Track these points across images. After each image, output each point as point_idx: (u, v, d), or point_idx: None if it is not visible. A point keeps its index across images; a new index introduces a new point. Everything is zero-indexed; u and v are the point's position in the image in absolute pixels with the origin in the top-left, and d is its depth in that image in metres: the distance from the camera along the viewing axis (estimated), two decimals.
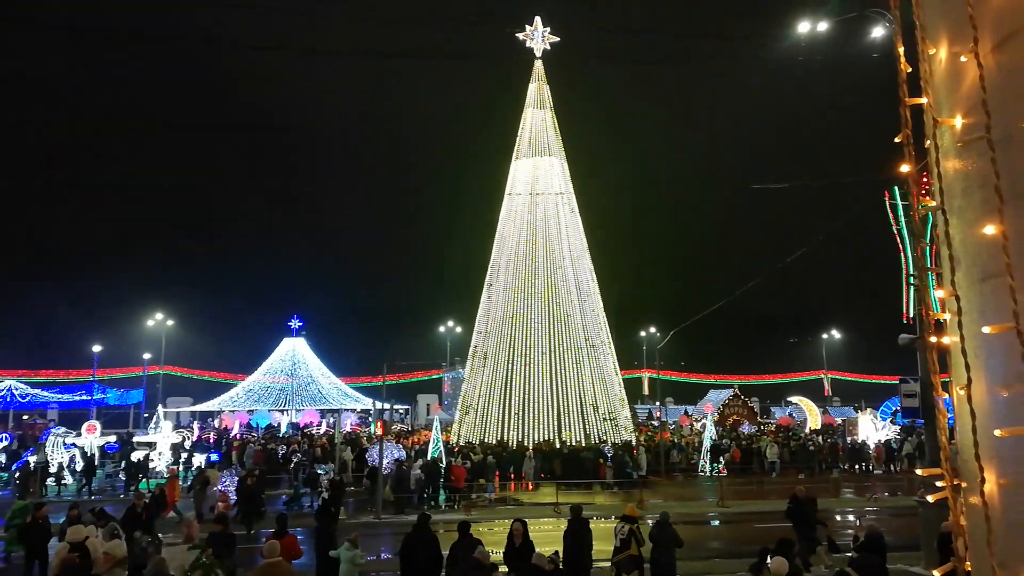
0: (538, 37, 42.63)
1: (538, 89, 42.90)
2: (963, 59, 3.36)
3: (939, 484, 3.61)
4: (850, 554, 13.02)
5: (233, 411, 59.43)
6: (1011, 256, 3.07)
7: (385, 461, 30.18)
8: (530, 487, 30.43)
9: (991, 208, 3.15)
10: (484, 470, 29.05)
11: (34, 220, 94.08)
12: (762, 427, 51.96)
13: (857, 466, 36.95)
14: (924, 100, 3.63)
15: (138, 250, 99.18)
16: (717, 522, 24.34)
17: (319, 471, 26.14)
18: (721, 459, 35.59)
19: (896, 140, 3.76)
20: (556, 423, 37.14)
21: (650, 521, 15.12)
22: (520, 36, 42.49)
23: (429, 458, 29.48)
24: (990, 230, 3.16)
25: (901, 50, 3.75)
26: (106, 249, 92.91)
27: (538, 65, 43.05)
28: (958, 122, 3.44)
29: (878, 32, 16.70)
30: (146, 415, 56.46)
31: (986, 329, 3.20)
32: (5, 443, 38.92)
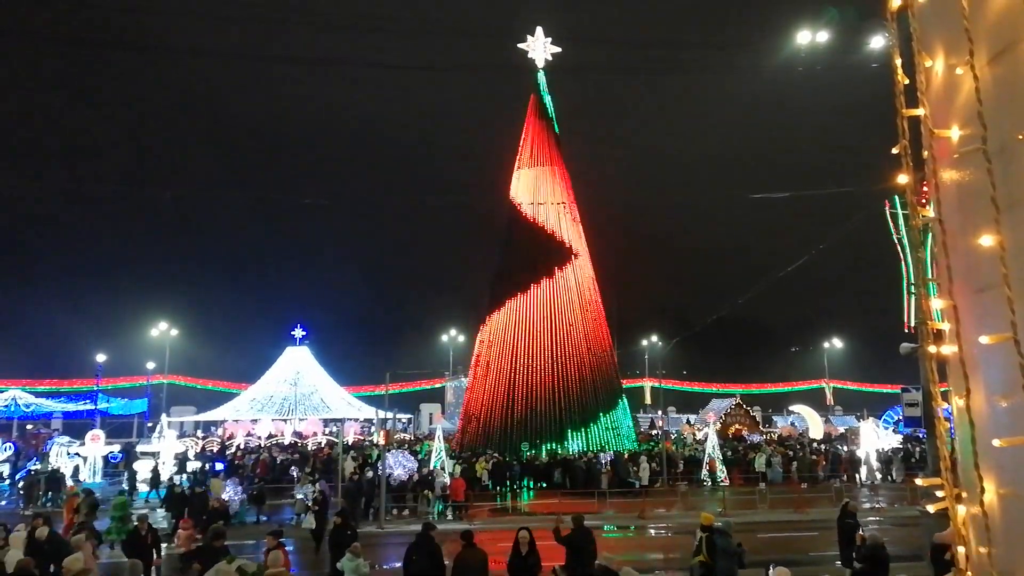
0: (539, 47, 42.78)
1: (539, 99, 43.04)
2: (959, 71, 3.39)
3: (939, 494, 3.61)
4: (854, 564, 12.97)
5: (237, 420, 59.39)
6: (1008, 267, 3.09)
7: (402, 470, 30.24)
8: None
9: (988, 219, 3.17)
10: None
11: (38, 229, 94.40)
12: (765, 436, 51.83)
13: (857, 475, 36.77)
14: (921, 111, 3.65)
15: (142, 260, 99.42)
16: None
17: (298, 495, 24.54)
18: (704, 471, 35.48)
19: (893, 151, 3.79)
20: (558, 432, 37.12)
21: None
22: (522, 46, 42.67)
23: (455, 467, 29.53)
24: (987, 241, 3.18)
25: (898, 62, 3.78)
26: (110, 258, 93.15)
27: (540, 75, 43.19)
28: (955, 133, 3.47)
29: (877, 42, 16.78)
30: (150, 424, 56.43)
31: (984, 339, 3.21)
32: (8, 452, 38.93)
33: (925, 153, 3.71)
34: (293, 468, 34.39)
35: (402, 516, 26.24)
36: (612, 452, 35.73)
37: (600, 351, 40.21)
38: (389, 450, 32.83)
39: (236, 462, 37.56)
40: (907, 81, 3.77)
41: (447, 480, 27.67)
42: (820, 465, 36.47)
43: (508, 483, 31.21)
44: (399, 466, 30.07)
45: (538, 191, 41.50)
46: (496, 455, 33.77)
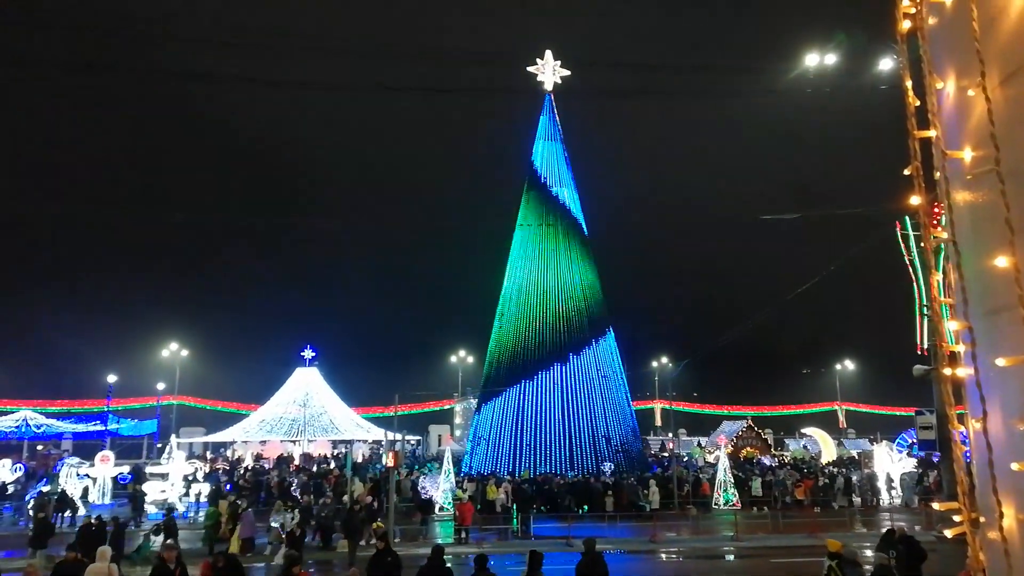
0: (549, 71, 43.15)
1: (549, 121, 43.35)
2: (971, 93, 3.39)
3: (956, 519, 3.56)
4: None
5: (246, 441, 59.34)
6: (1023, 288, 3.07)
7: (439, 491, 30.37)
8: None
9: (1002, 240, 3.15)
10: None
11: (49, 250, 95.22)
12: (778, 459, 51.33)
13: (873, 498, 36.22)
14: (933, 133, 3.66)
15: (153, 281, 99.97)
16: (732, 556, 23.95)
17: (274, 523, 22.59)
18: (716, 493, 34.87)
19: (905, 172, 3.78)
20: (568, 454, 36.92)
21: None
22: (531, 70, 43.04)
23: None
24: (1002, 262, 3.16)
25: (909, 84, 3.79)
26: (121, 280, 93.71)
27: (549, 98, 43.54)
28: (967, 155, 3.46)
29: (886, 64, 16.83)
30: (159, 445, 56.46)
31: (1000, 361, 3.18)
32: (19, 474, 38.99)
33: (937, 174, 3.70)
34: (295, 489, 34.35)
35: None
36: (621, 475, 35.47)
37: (610, 372, 40.07)
38: (422, 474, 33.32)
39: (244, 484, 37.46)
40: (918, 103, 3.77)
41: (503, 497, 27.70)
42: (804, 490, 35.49)
43: (526, 507, 30.81)
44: (434, 487, 30.46)
45: (547, 212, 41.67)
46: (510, 478, 33.54)
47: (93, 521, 21.06)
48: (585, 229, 42.66)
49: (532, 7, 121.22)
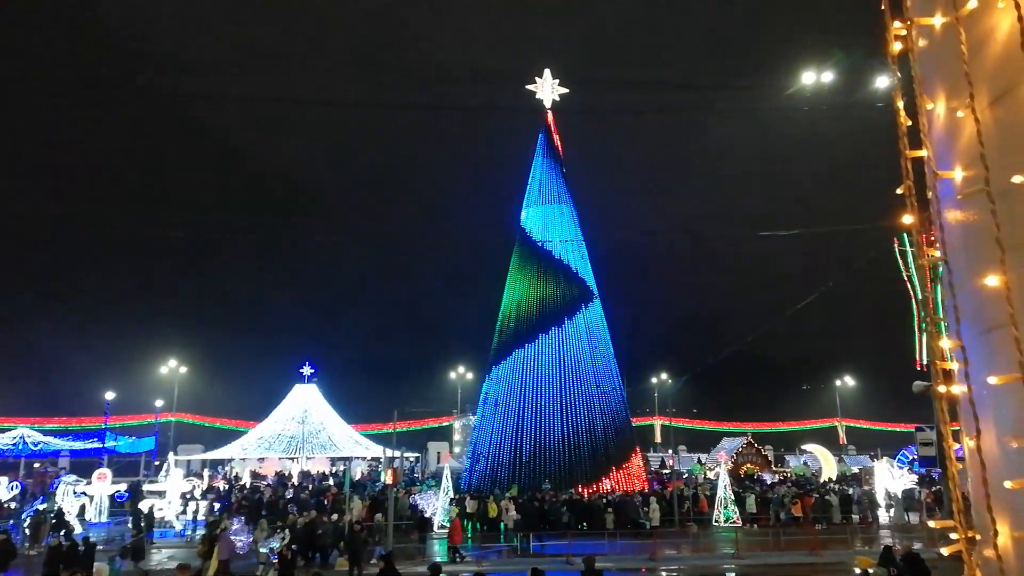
0: (547, 88, 43.44)
1: (547, 139, 43.55)
2: (960, 114, 3.44)
3: (953, 536, 3.57)
4: None
5: (244, 459, 59.08)
6: (1015, 306, 3.10)
7: (438, 509, 30.26)
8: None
9: (993, 259, 3.19)
10: None
11: (46, 267, 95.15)
12: (778, 476, 51.12)
13: (872, 515, 36.00)
14: (924, 153, 3.70)
15: (152, 297, 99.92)
16: (733, 574, 23.80)
17: (262, 548, 22.24)
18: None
19: (898, 191, 3.82)
20: (567, 470, 36.74)
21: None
22: (530, 88, 43.33)
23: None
24: (993, 281, 3.19)
25: (900, 104, 3.84)
26: (119, 296, 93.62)
27: (548, 115, 43.77)
28: (958, 175, 3.50)
29: (883, 82, 16.96)
30: (157, 463, 56.23)
31: (992, 379, 3.21)
32: (15, 492, 38.80)
33: (929, 193, 3.74)
34: (291, 506, 34.11)
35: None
36: (619, 493, 35.27)
37: (609, 388, 39.99)
38: (420, 490, 33.27)
39: (243, 502, 37.23)
40: (910, 123, 3.82)
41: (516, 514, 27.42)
42: (800, 507, 35.16)
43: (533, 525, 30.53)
44: (429, 504, 30.45)
45: (546, 228, 41.77)
46: (511, 496, 33.31)
47: (64, 542, 20.93)
48: (584, 244, 42.59)
49: (532, 7, 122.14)
